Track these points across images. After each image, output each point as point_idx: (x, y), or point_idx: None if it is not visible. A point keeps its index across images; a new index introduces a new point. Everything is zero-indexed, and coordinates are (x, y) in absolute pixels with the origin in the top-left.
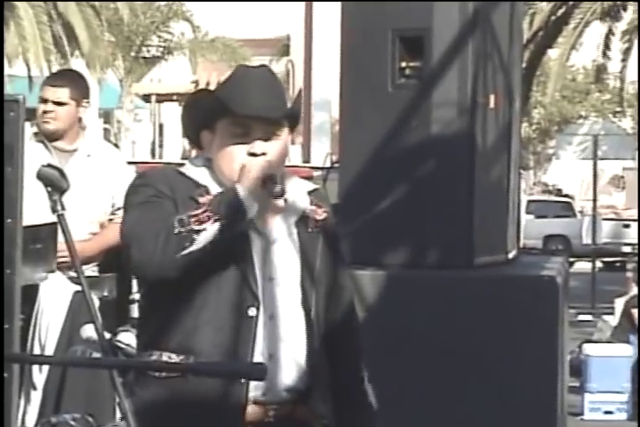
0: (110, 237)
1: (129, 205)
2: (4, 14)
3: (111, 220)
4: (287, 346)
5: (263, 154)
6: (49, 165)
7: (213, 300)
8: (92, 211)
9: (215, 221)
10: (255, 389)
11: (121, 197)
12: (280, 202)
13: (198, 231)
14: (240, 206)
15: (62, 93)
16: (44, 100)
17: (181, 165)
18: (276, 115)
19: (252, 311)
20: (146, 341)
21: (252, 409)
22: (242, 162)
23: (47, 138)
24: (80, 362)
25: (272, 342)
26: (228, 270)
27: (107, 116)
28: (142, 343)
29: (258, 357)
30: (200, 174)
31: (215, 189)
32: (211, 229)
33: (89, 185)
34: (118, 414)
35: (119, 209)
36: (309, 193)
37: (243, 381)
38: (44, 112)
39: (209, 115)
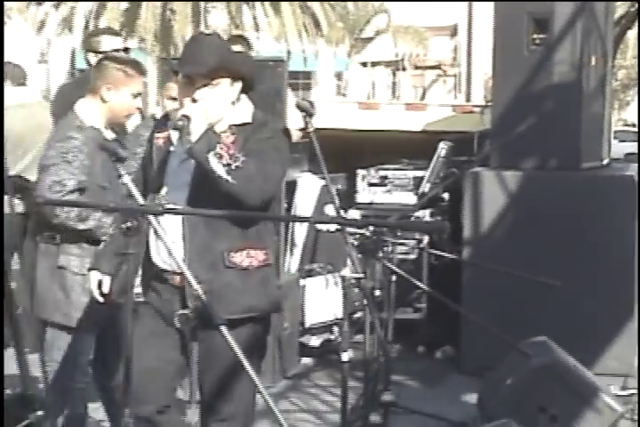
0: None
1: None
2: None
3: None
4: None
5: (201, 99)
6: None
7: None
8: None
9: None
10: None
11: None
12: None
13: None
14: None
15: None
16: None
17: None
18: (197, 71)
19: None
20: None
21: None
22: (187, 104)
23: None
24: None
25: (172, 234)
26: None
27: (338, 76)
28: None
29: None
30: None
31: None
32: None
33: None
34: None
35: None
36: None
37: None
38: None
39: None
